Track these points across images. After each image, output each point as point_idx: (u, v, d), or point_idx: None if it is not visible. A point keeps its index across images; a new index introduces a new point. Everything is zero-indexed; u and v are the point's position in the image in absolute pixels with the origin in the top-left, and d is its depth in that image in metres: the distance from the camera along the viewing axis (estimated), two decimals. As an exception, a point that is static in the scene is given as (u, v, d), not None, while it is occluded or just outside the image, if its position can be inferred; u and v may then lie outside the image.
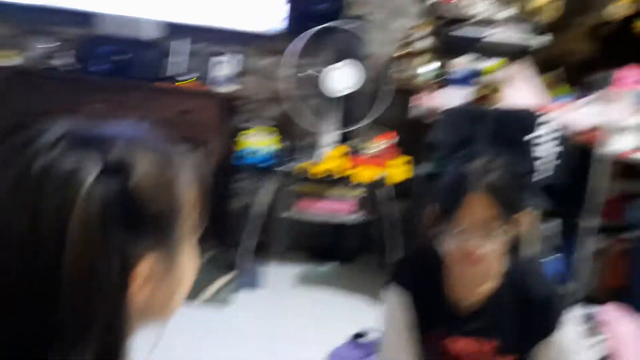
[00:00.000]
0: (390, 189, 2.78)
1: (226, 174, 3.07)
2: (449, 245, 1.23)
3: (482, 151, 1.32)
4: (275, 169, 2.68)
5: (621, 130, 2.45)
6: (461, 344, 1.34)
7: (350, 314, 2.39)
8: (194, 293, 2.38)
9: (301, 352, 1.99)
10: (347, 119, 2.89)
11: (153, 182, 0.53)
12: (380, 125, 3.20)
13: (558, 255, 2.55)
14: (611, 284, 2.62)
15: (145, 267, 0.52)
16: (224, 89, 2.97)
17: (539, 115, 2.10)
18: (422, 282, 1.37)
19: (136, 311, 0.54)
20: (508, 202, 1.21)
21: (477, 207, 1.19)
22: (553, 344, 1.30)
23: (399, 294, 1.39)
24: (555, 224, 2.59)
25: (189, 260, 0.61)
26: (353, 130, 2.95)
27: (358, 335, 2.05)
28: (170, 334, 2.13)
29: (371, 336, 1.99)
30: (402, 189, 3.19)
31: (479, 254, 1.21)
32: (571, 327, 1.31)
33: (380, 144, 2.73)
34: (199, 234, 0.63)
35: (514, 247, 1.37)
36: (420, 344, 1.38)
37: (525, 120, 2.03)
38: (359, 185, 2.83)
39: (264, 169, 2.74)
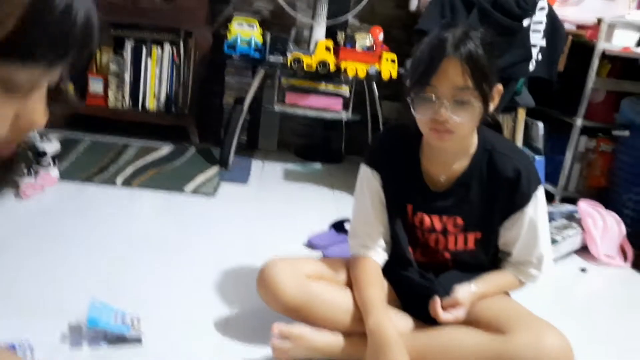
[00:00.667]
0: (377, 87, 2.73)
1: (214, 67, 3.01)
2: (423, 113, 1.22)
3: (464, 23, 1.28)
4: (267, 59, 2.60)
5: (625, 25, 2.35)
6: (428, 221, 1.36)
7: (333, 207, 2.42)
8: (181, 183, 2.40)
9: (283, 239, 2.03)
10: (336, 11, 2.78)
11: None
12: (370, 21, 3.10)
13: (540, 156, 2.54)
14: (594, 183, 2.62)
15: None
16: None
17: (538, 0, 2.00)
18: (396, 160, 1.37)
19: None
20: (482, 73, 1.19)
21: (451, 74, 1.18)
22: (521, 218, 1.31)
23: (369, 173, 1.40)
24: (538, 124, 2.56)
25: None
26: (342, 24, 2.85)
27: (337, 224, 2.08)
28: (157, 219, 2.17)
29: (349, 224, 2.01)
30: (393, 91, 3.14)
31: (451, 124, 1.20)
32: (541, 202, 1.32)
33: (369, 39, 2.64)
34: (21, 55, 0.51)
35: (488, 127, 1.36)
36: (389, 220, 1.40)
37: (525, 3, 1.92)
38: (348, 81, 2.77)
39: (254, 60, 2.67)
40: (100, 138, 2.87)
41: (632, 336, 1.74)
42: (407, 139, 1.36)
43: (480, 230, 1.35)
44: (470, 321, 1.27)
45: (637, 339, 1.73)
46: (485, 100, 1.22)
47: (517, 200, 1.31)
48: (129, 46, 2.87)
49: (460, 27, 1.23)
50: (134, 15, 2.77)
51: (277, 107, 2.78)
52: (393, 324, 1.27)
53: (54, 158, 2.24)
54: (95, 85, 2.91)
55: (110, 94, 2.92)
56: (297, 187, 2.66)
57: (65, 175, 2.28)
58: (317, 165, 3.05)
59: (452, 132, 1.22)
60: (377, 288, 1.35)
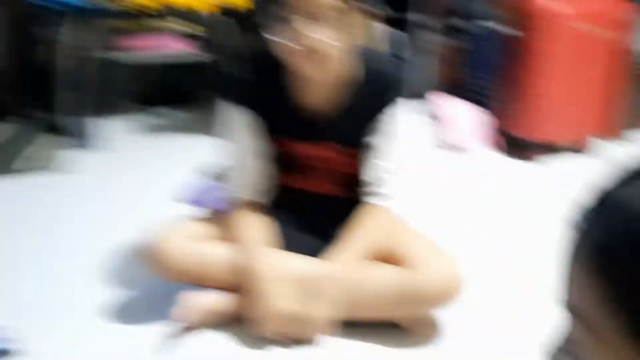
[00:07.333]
0: (231, 21, 2.53)
1: (27, 22, 2.62)
2: (287, 37, 1.19)
3: None
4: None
5: None
6: (307, 149, 1.36)
7: (192, 154, 2.28)
8: (6, 163, 2.12)
9: (150, 198, 1.91)
10: None
11: None
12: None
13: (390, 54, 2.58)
14: (447, 79, 2.71)
15: None
16: None
17: None
18: (265, 93, 1.33)
19: None
20: None
21: None
22: (383, 125, 1.34)
23: (239, 113, 1.35)
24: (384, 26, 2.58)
25: None
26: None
27: (202, 171, 1.97)
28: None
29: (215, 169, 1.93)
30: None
31: (318, 44, 1.18)
32: (401, 111, 1.36)
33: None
34: None
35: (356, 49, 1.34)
36: (269, 153, 1.38)
37: None
38: (192, 16, 2.54)
39: (75, 7, 2.35)
40: None
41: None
42: (273, 69, 1.30)
43: (357, 149, 1.37)
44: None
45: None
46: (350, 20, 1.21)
47: (378, 112, 1.33)
48: None
49: None
50: None
51: (110, 55, 2.52)
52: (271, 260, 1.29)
53: None
54: None
55: None
56: (152, 140, 2.49)
57: None
58: (166, 112, 2.85)
59: (320, 51, 1.19)
60: (256, 229, 1.35)
